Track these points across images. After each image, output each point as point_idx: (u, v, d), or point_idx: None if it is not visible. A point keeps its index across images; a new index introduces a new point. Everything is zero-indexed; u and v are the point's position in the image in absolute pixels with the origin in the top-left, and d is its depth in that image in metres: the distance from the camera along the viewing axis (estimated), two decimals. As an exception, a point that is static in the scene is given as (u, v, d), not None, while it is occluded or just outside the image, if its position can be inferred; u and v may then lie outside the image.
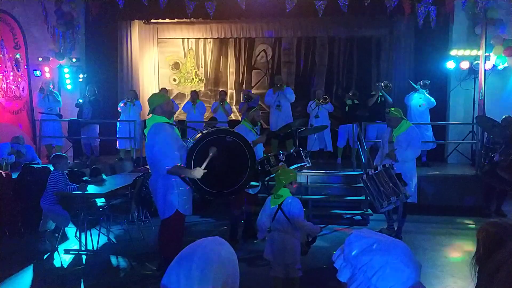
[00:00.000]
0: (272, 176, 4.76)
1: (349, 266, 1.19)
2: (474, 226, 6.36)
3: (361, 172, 6.86)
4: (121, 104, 9.08)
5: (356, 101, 8.68)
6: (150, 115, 4.12)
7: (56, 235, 5.45)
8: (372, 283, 1.14)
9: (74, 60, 9.81)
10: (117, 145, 9.33)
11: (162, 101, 4.12)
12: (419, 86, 8.26)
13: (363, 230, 1.26)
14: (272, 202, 3.63)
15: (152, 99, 4.17)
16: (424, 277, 4.58)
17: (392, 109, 5.57)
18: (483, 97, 7.94)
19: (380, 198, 4.85)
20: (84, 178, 5.94)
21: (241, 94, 10.94)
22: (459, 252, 5.33)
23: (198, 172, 3.80)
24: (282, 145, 8.79)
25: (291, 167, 4.86)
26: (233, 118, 10.03)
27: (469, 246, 5.37)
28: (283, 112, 8.76)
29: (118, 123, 9.19)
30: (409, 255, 1.18)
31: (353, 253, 1.19)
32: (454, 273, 4.60)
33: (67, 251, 5.25)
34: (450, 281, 4.41)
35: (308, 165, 5.26)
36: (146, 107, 10.42)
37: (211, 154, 3.85)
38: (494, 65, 8.45)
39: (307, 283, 3.95)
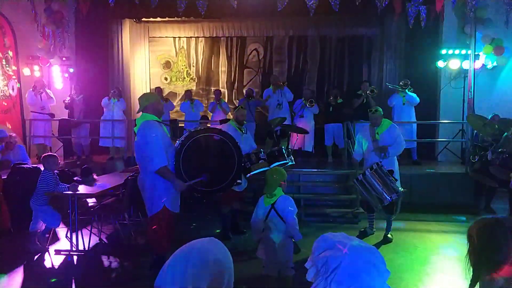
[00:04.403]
0: (252, 173, 4.93)
1: (314, 266, 1.26)
2: (464, 223, 6.42)
3: (353, 170, 6.89)
4: (105, 100, 8.98)
5: (333, 103, 8.66)
6: (140, 113, 4.14)
7: (47, 235, 5.40)
8: (328, 283, 1.19)
9: (64, 58, 9.73)
10: (99, 143, 9.21)
11: (154, 100, 4.17)
12: (399, 87, 8.33)
13: (335, 233, 1.30)
14: (265, 201, 3.65)
15: (144, 98, 4.20)
16: (415, 275, 4.55)
17: (376, 108, 5.69)
18: (472, 96, 8.03)
19: (379, 196, 4.89)
20: (75, 178, 5.90)
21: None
22: (449, 249, 5.38)
23: (180, 186, 3.94)
24: (278, 144, 8.75)
25: (273, 165, 4.90)
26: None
27: (460, 244, 5.42)
28: (282, 111, 8.61)
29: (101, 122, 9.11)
30: (369, 261, 1.20)
31: (315, 254, 1.26)
32: (444, 270, 4.65)
33: (58, 252, 5.20)
34: (441, 278, 4.46)
35: (291, 163, 5.29)
36: (131, 105, 10.47)
37: (201, 179, 3.97)
38: (483, 64, 8.53)
39: (300, 282, 3.96)
